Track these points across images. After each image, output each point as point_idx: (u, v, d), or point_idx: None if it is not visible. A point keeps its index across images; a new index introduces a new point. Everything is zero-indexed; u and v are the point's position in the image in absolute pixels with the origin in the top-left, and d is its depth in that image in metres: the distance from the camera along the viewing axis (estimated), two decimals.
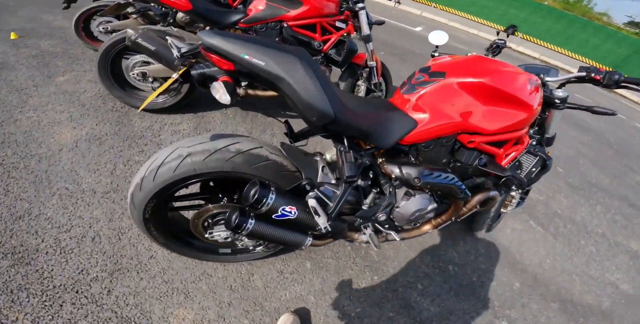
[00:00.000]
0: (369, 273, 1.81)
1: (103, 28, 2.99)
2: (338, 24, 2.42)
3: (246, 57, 0.90)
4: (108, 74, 2.26)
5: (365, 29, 2.36)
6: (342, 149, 1.13)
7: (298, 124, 1.56)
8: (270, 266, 1.69)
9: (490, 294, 1.91)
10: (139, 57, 2.24)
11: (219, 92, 1.03)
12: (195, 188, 1.73)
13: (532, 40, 11.73)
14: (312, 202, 1.06)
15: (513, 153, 1.41)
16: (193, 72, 1.26)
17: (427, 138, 1.22)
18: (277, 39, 2.32)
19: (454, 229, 2.28)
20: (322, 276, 1.72)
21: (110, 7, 2.51)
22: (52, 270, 1.45)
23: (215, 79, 1.10)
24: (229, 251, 1.56)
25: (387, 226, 1.39)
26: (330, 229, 1.11)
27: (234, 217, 1.05)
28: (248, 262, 1.66)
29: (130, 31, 1.95)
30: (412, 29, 7.77)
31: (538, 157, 1.50)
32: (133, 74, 2.22)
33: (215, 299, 1.50)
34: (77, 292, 1.40)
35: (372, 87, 2.71)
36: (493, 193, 1.44)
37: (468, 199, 1.39)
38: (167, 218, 1.32)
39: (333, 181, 1.19)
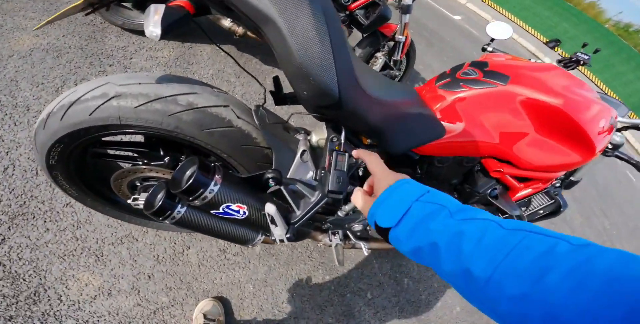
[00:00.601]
0: (321, 271, 1.57)
1: None
2: None
3: None
4: None
5: None
6: (334, 140, 0.80)
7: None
8: (213, 242, 1.41)
9: (431, 315, 1.74)
10: None
11: (152, 18, 0.63)
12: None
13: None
14: (269, 209, 0.74)
15: (530, 190, 1.13)
16: None
17: (448, 153, 0.92)
18: None
19: None
20: (269, 264, 1.46)
21: None
22: None
23: (166, 1, 0.71)
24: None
25: (359, 235, 1.12)
26: (286, 242, 0.81)
27: (158, 198, 0.73)
28: (188, 232, 1.38)
29: None
30: (450, 16, 6.98)
31: (554, 201, 1.23)
32: None
33: (133, 268, 1.23)
34: None
35: (392, 63, 2.32)
36: None
37: None
38: (84, 166, 0.98)
39: (310, 176, 0.87)
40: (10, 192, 1.21)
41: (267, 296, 1.39)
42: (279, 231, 0.77)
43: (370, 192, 0.60)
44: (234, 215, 0.73)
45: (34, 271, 1.11)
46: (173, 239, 1.34)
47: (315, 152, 0.92)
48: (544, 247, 0.33)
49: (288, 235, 0.78)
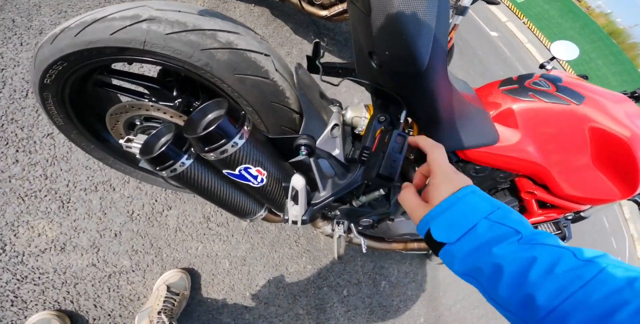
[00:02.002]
0: (304, 259, 1.46)
1: None
2: None
3: None
4: None
5: (467, 0, 1.76)
6: (382, 119, 0.68)
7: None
8: (199, 206, 1.26)
9: (397, 322, 1.66)
10: None
11: None
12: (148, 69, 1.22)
13: None
14: (297, 183, 0.61)
15: (543, 218, 1.06)
16: None
17: (490, 164, 0.83)
18: None
19: None
20: (253, 242, 1.33)
21: None
22: None
23: None
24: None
25: (362, 230, 1.01)
26: (299, 225, 0.69)
27: (161, 141, 0.59)
28: (173, 191, 1.22)
29: None
30: (487, 30, 6.88)
31: (560, 233, 1.17)
32: None
33: (100, 223, 1.06)
34: None
35: None
36: None
37: None
38: (81, 93, 0.81)
39: (338, 151, 0.74)
40: None
41: (242, 275, 1.26)
42: (296, 211, 0.65)
43: (420, 186, 0.49)
44: (250, 181, 0.60)
45: None
46: (155, 195, 1.18)
47: (345, 129, 0.80)
48: (622, 282, 0.31)
49: (305, 217, 0.66)
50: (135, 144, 0.77)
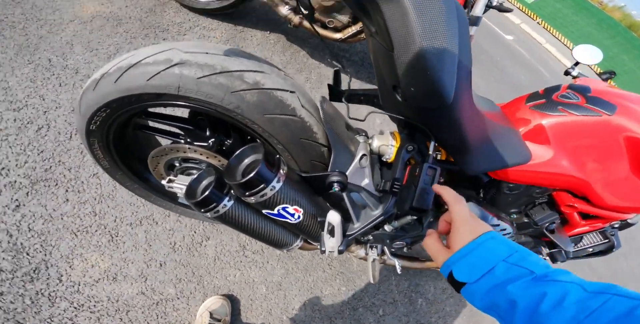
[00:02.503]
0: (338, 281, 1.43)
1: None
2: None
3: None
4: None
5: (479, 10, 1.71)
6: (410, 149, 0.67)
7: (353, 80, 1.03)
8: (235, 236, 1.28)
9: None
10: None
11: None
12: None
13: None
14: (333, 219, 0.62)
15: (588, 227, 0.99)
16: None
17: (524, 181, 0.79)
18: None
19: None
20: (287, 267, 1.33)
21: None
22: None
23: None
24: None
25: (396, 252, 0.98)
26: (336, 255, 0.68)
27: (203, 185, 0.61)
28: (210, 223, 1.25)
29: None
30: (502, 35, 6.62)
31: (607, 241, 1.09)
32: None
33: (146, 254, 1.11)
34: None
35: None
36: None
37: None
38: (123, 137, 0.87)
39: (365, 183, 0.73)
40: (38, 155, 1.11)
41: (278, 300, 1.25)
42: (332, 243, 0.64)
43: (443, 232, 0.53)
44: (287, 218, 0.62)
45: (41, 246, 0.99)
46: (194, 227, 1.22)
47: (373, 157, 0.80)
48: (625, 309, 0.33)
49: (341, 248, 0.65)
50: (176, 185, 0.80)
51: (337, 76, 0.89)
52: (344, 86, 0.91)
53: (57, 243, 1.01)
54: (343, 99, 0.89)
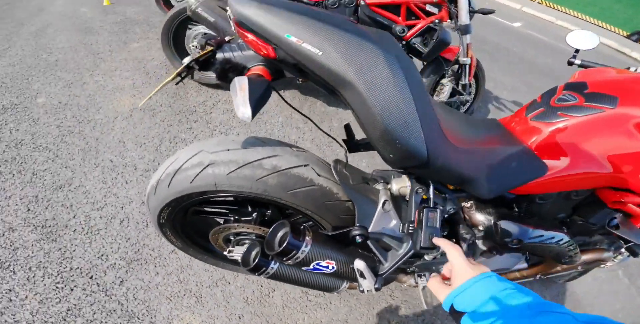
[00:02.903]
0: (404, 310, 1.44)
1: None
2: (429, 7, 1.83)
3: (293, 39, 0.55)
4: (170, 44, 2.04)
5: (465, 18, 1.75)
6: (419, 191, 0.74)
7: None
8: None
9: None
10: (201, 28, 1.98)
11: (237, 97, 0.63)
12: None
13: None
14: (359, 265, 0.71)
15: None
16: (219, 55, 0.83)
17: (552, 190, 0.79)
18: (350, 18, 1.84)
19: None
20: (350, 305, 1.39)
21: None
22: (75, 251, 1.30)
23: (245, 70, 0.71)
24: None
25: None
26: (374, 292, 0.76)
27: (252, 255, 0.75)
28: None
29: (191, 0, 1.66)
30: (508, 24, 6.32)
31: None
32: (192, 45, 1.96)
33: (226, 309, 1.26)
34: (91, 278, 1.24)
35: (460, 88, 2.09)
36: (606, 255, 1.03)
37: (576, 261, 0.96)
38: (186, 221, 1.05)
39: (394, 225, 0.81)
40: (127, 241, 1.35)
41: None
42: (367, 283, 0.74)
43: (446, 277, 0.60)
44: (323, 270, 0.73)
45: (146, 310, 1.20)
46: (260, 282, 1.36)
47: (397, 200, 0.86)
48: None
49: (376, 286, 0.74)
50: (235, 254, 0.95)
51: (348, 130, 0.98)
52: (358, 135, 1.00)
53: (158, 307, 1.21)
54: (361, 149, 0.98)
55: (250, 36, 0.60)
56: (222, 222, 1.02)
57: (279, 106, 2.27)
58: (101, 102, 1.94)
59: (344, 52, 0.54)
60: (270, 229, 0.70)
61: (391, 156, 0.61)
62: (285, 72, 0.83)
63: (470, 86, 2.17)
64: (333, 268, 0.72)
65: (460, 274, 0.54)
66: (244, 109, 0.63)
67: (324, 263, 0.70)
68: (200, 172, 0.77)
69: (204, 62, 0.77)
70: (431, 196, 0.72)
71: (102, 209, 1.44)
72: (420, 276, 1.00)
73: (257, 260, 0.73)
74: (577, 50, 1.13)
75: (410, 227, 0.72)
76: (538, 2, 9.62)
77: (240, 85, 0.64)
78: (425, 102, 0.59)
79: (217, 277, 1.33)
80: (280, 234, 0.70)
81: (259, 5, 0.56)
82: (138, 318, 1.17)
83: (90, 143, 1.70)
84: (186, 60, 0.74)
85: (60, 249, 1.30)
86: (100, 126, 1.80)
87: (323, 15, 0.57)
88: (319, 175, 0.80)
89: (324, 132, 0.98)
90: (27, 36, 2.76)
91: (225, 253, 0.99)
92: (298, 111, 0.96)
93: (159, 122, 1.91)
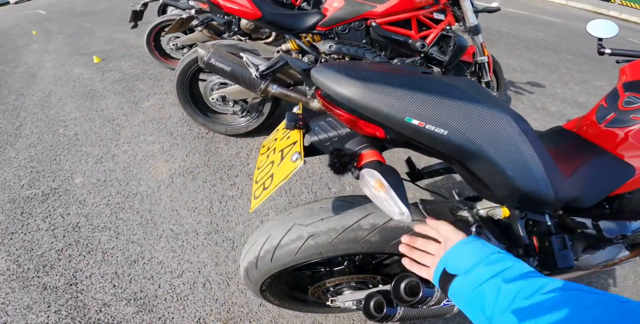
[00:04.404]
0: None
1: (173, 44, 2.86)
2: (436, 15, 1.86)
3: (414, 122, 0.53)
4: (188, 100, 2.11)
5: (472, 19, 1.81)
6: (523, 216, 0.80)
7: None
8: None
9: None
10: (215, 79, 2.04)
11: (380, 196, 0.57)
12: None
13: None
14: None
15: None
16: (314, 139, 0.74)
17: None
18: (363, 41, 1.87)
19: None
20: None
21: (173, 24, 2.34)
22: (173, 318, 1.38)
23: (357, 159, 0.64)
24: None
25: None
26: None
27: (372, 306, 0.81)
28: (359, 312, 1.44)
29: (201, 51, 1.71)
30: (488, 6, 6.38)
31: None
32: (212, 98, 2.02)
33: None
34: None
35: (483, 86, 2.14)
36: None
37: None
38: (282, 282, 1.11)
39: (496, 243, 0.86)
40: (216, 302, 1.43)
41: None
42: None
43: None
44: (451, 303, 0.80)
45: None
46: (350, 317, 1.41)
47: (487, 222, 0.91)
48: (591, 302, 0.39)
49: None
50: (338, 303, 1.02)
51: (410, 164, 1.03)
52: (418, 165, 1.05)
53: None
54: (425, 177, 1.03)
55: (343, 113, 0.61)
56: (310, 273, 1.09)
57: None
58: (138, 173, 2.02)
59: (467, 126, 0.53)
60: (394, 282, 0.75)
61: (518, 205, 0.65)
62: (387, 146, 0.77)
63: (490, 82, 2.20)
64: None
65: (453, 237, 0.59)
66: (401, 210, 0.58)
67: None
68: (302, 245, 0.83)
69: (310, 151, 0.77)
70: (549, 223, 0.78)
71: (182, 276, 1.51)
72: None
73: (384, 310, 0.79)
74: (600, 39, 1.16)
75: (530, 251, 0.78)
76: None
77: (376, 182, 0.58)
78: (542, 149, 0.60)
79: (309, 321, 1.39)
80: (403, 286, 0.75)
81: (363, 85, 0.53)
82: None
83: (145, 216, 1.78)
84: (295, 157, 0.71)
85: (159, 318, 1.38)
86: (148, 197, 1.88)
87: (423, 82, 0.57)
88: (413, 220, 0.85)
89: (421, 187, 1.05)
90: (33, 110, 2.87)
91: (328, 303, 1.05)
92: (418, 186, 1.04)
93: (201, 184, 1.98)
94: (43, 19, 6.95)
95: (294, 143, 0.73)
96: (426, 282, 0.73)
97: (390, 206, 0.58)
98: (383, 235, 0.82)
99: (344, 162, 0.61)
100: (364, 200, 0.89)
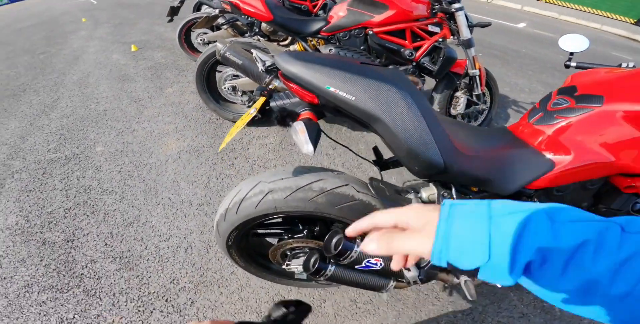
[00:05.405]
0: (451, 310, 1.57)
1: (200, 39, 3.18)
2: (431, 27, 2.06)
3: (331, 89, 0.75)
4: (204, 88, 2.36)
5: (465, 33, 1.96)
6: (445, 194, 0.92)
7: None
8: (344, 294, 1.57)
9: None
10: (229, 71, 2.29)
11: (300, 136, 0.79)
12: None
13: None
14: None
15: None
16: (272, 104, 1.01)
17: (564, 182, 0.93)
18: (362, 47, 2.10)
19: None
20: (397, 309, 1.54)
21: (200, 21, 2.62)
22: (150, 277, 1.56)
23: (296, 116, 0.92)
24: (304, 276, 1.47)
25: None
26: (419, 283, 0.93)
27: (312, 261, 0.95)
28: (323, 288, 1.56)
29: (219, 45, 1.95)
30: (513, 26, 6.61)
31: None
32: (224, 87, 2.27)
33: None
34: (166, 300, 1.48)
35: (474, 99, 2.27)
36: None
37: None
38: (248, 244, 1.28)
39: None
40: (192, 266, 1.60)
41: None
42: (412, 274, 0.90)
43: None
44: (373, 267, 0.91)
45: None
46: (311, 294, 1.54)
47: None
48: None
49: (421, 277, 0.91)
50: (292, 266, 1.16)
51: (377, 152, 1.19)
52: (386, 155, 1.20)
53: (231, 277, 1.44)
54: (390, 166, 1.18)
55: (294, 86, 0.82)
56: (276, 242, 1.24)
57: None
58: (152, 147, 2.28)
59: (370, 96, 0.74)
60: (327, 237, 0.90)
61: (416, 168, 0.80)
62: (325, 112, 1.04)
63: (484, 95, 2.34)
64: (381, 264, 0.90)
65: (425, 215, 0.39)
66: (307, 147, 0.82)
67: (373, 261, 0.89)
68: (262, 198, 1.00)
69: (263, 111, 1.01)
70: (454, 195, 0.90)
71: (169, 240, 1.71)
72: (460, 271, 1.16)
73: (317, 264, 0.92)
74: (571, 53, 1.29)
75: None
76: (537, 0, 9.90)
77: (299, 128, 0.84)
78: (436, 124, 0.78)
79: (273, 293, 1.53)
80: (334, 240, 0.90)
81: (302, 63, 0.77)
82: None
83: (150, 184, 2.01)
84: (252, 110, 0.97)
85: (137, 276, 1.56)
86: (155, 168, 2.13)
87: (351, 66, 0.77)
88: (358, 191, 1.00)
89: (360, 157, 1.19)
90: (71, 86, 3.25)
91: (283, 266, 1.20)
92: (338, 142, 1.18)
93: (204, 162, 2.21)
94: (93, 8, 7.71)
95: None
96: (349, 239, 0.87)
97: (303, 144, 0.81)
98: (329, 199, 0.98)
99: (283, 117, 0.84)
100: (321, 169, 1.06)
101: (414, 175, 0.93)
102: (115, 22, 5.88)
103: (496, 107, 2.52)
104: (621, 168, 0.90)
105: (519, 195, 1.02)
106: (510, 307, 1.60)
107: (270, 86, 1.04)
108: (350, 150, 1.22)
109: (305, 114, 0.88)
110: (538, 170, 0.90)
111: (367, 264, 0.90)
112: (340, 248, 0.86)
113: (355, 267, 0.91)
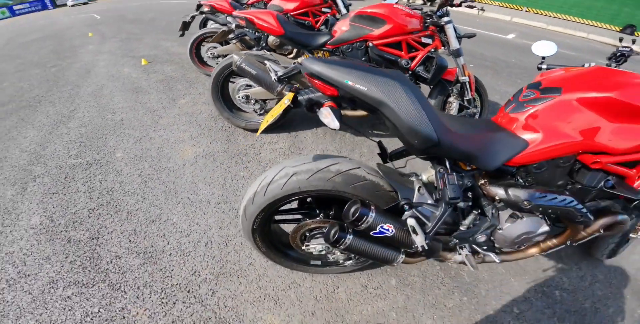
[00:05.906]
0: (457, 294, 1.69)
1: (211, 53, 3.43)
2: (424, 39, 2.33)
3: (349, 83, 0.94)
4: (218, 97, 2.57)
5: (454, 43, 2.23)
6: (442, 170, 1.10)
7: (390, 144, 1.50)
8: (355, 280, 1.70)
9: (606, 320, 1.61)
10: (242, 81, 2.51)
11: (327, 117, 1.01)
12: (294, 204, 1.87)
13: None
14: (410, 222, 1.06)
15: None
16: (300, 97, 1.23)
17: (539, 159, 1.11)
18: (363, 58, 2.35)
19: (566, 253, 1.98)
20: (406, 293, 1.66)
21: (218, 34, 2.87)
22: (173, 270, 1.69)
23: (321, 105, 1.13)
24: (319, 263, 1.61)
25: (485, 247, 1.30)
26: (426, 248, 1.08)
27: (333, 231, 1.10)
28: (335, 274, 1.70)
29: (235, 57, 2.18)
30: (503, 37, 7.04)
31: None
32: (238, 96, 2.48)
33: (300, 308, 1.56)
34: (188, 291, 1.60)
35: (466, 103, 2.51)
36: (621, 218, 1.23)
37: (589, 223, 1.22)
38: (269, 230, 1.44)
39: (430, 201, 1.17)
40: (212, 259, 1.73)
41: (409, 320, 1.56)
42: (419, 239, 1.07)
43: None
44: (385, 233, 1.07)
45: (235, 315, 1.51)
46: (324, 281, 1.67)
47: (428, 187, 1.22)
48: None
49: (427, 241, 1.06)
50: (312, 245, 1.31)
51: (381, 146, 1.37)
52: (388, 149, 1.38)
53: (244, 311, 1.53)
54: (393, 159, 1.36)
55: (318, 82, 1.01)
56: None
57: (314, 141, 2.77)
58: (169, 153, 2.46)
59: (379, 87, 0.94)
60: (346, 206, 1.06)
61: (415, 142, 0.98)
62: (343, 103, 1.24)
63: (474, 100, 2.59)
64: (392, 231, 1.06)
65: None
66: (334, 123, 1.02)
67: (385, 226, 1.05)
68: (287, 180, 1.16)
69: (295, 102, 1.21)
70: (448, 167, 1.09)
71: (189, 235, 1.85)
72: (461, 247, 1.31)
73: (336, 234, 1.08)
74: (543, 58, 1.51)
75: (439, 193, 1.08)
76: (526, 11, 10.58)
77: (326, 112, 1.05)
78: (431, 109, 0.97)
79: (289, 281, 1.66)
80: (353, 208, 1.06)
81: (325, 64, 0.97)
82: (229, 323, 1.49)
83: (169, 186, 2.17)
84: (286, 101, 1.17)
85: (161, 270, 1.69)
86: (174, 172, 2.30)
87: (362, 66, 0.98)
88: (368, 173, 1.17)
89: (371, 139, 1.39)
90: (87, 98, 3.45)
91: (303, 247, 1.35)
92: (351, 127, 1.37)
93: (219, 165, 2.39)
94: (97, 23, 8.07)
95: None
96: (365, 207, 1.04)
97: (330, 122, 1.01)
98: (344, 179, 1.15)
99: (312, 105, 1.07)
100: (336, 156, 1.24)
101: (412, 153, 1.11)
102: (122, 37, 6.20)
103: (486, 111, 2.75)
104: (585, 146, 1.07)
105: (503, 172, 1.19)
106: (511, 292, 1.72)
107: (290, 88, 1.25)
108: (364, 135, 1.40)
109: (328, 103, 1.08)
110: (515, 148, 1.08)
111: (380, 229, 1.06)
112: (357, 214, 1.02)
113: (371, 233, 1.06)
